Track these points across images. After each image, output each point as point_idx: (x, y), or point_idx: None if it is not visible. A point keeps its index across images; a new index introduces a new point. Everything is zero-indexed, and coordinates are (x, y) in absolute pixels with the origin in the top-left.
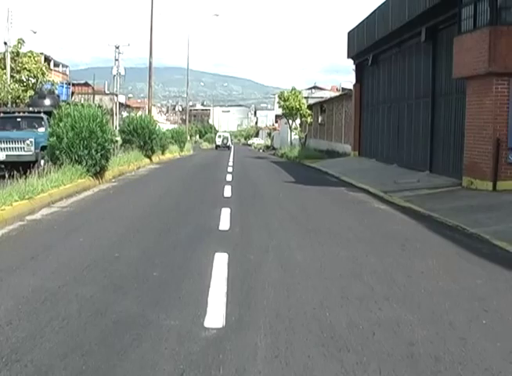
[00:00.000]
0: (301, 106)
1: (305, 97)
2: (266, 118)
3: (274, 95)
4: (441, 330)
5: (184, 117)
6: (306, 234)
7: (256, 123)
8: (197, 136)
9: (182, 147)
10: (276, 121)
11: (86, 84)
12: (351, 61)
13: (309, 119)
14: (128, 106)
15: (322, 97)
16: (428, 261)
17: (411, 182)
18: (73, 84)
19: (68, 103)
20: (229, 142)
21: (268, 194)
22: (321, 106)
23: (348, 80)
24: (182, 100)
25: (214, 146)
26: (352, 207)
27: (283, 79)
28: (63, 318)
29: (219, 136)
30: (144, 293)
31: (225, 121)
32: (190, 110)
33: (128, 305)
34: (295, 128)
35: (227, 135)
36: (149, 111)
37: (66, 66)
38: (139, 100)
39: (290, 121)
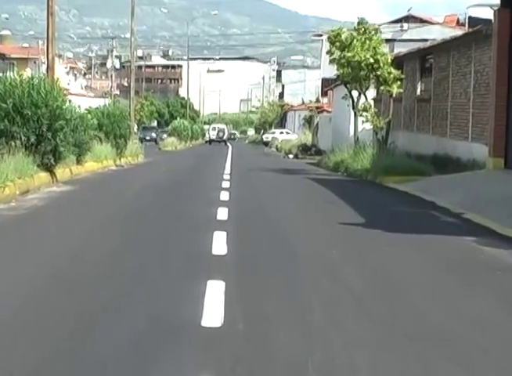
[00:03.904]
0: (377, 61)
1: (387, 40)
2: (303, 87)
3: (319, 36)
4: None
5: (127, 83)
6: (391, 342)
7: (280, 96)
8: (155, 123)
9: (121, 148)
10: (325, 94)
11: None
12: None
13: (395, 88)
14: (1, 56)
15: (424, 40)
16: None
17: None
18: None
19: None
20: (226, 136)
21: (308, 251)
22: (421, 60)
23: (483, 2)
24: (122, 47)
25: (188, 144)
26: (491, 283)
27: (336, 2)
28: None
29: (214, 128)
30: None
31: (216, 93)
32: (139, 68)
33: None
34: (364, 109)
35: (223, 126)
36: (50, 69)
37: None
38: (26, 44)
39: (355, 94)
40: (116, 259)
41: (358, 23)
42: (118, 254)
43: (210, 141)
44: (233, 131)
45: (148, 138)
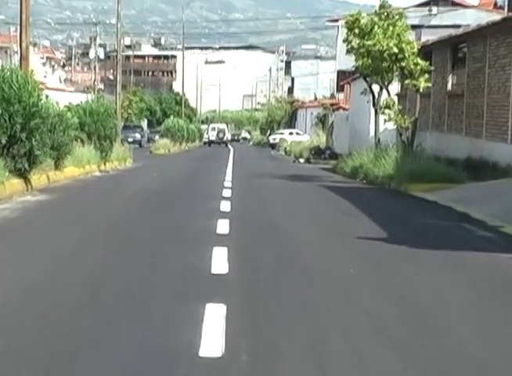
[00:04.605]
0: (402, 51)
1: (414, 26)
2: (315, 80)
3: (334, 22)
4: None
5: (112, 76)
6: None
7: (289, 91)
8: (144, 123)
9: (106, 151)
10: (341, 88)
11: None
12: None
13: (423, 82)
14: None
15: (456, 26)
16: None
17: None
18: None
19: None
20: (226, 137)
21: (322, 271)
22: (453, 50)
23: None
24: (107, 35)
25: (183, 147)
26: None
27: None
28: None
29: (213, 129)
30: None
31: (215, 87)
32: (126, 59)
33: None
34: (387, 106)
35: (223, 126)
36: (24, 59)
37: None
38: None
39: (376, 89)
40: (99, 281)
41: (380, 7)
42: (102, 275)
43: (210, 142)
44: (239, 132)
45: (130, 139)
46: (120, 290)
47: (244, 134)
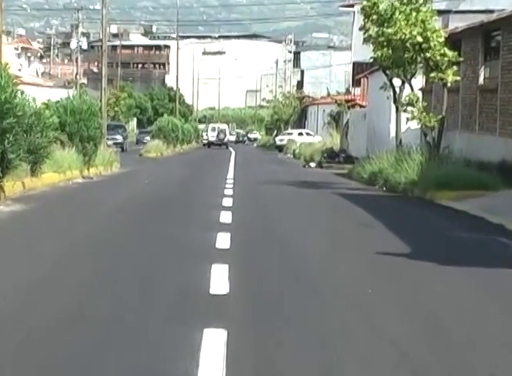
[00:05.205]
0: (427, 40)
1: (440, 12)
2: (328, 74)
3: (349, 7)
4: None
5: (97, 69)
6: None
7: (299, 86)
8: (133, 123)
9: (89, 155)
10: (357, 83)
11: None
12: None
13: (451, 76)
14: None
15: (489, 11)
16: None
17: None
18: None
19: None
20: (227, 138)
21: (336, 290)
22: (485, 38)
23: None
24: (91, 22)
25: (178, 149)
26: None
27: None
28: None
29: (213, 129)
30: None
31: (215, 82)
32: (113, 50)
33: None
34: (410, 103)
35: (224, 126)
36: None
37: None
38: None
39: (397, 83)
40: (82, 303)
41: None
42: (85, 297)
43: (209, 144)
44: (246, 131)
45: (110, 142)
46: (108, 313)
47: (254, 134)
